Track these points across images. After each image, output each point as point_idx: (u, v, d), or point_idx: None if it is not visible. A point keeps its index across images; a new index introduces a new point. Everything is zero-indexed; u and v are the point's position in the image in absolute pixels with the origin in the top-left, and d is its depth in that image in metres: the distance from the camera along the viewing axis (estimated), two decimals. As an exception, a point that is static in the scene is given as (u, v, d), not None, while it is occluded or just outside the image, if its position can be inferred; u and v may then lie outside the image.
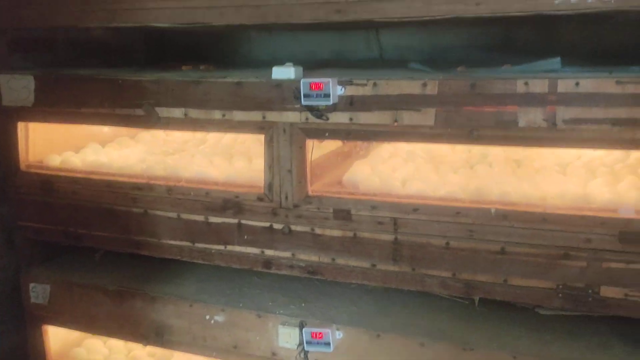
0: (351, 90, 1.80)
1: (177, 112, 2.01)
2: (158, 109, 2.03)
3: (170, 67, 2.52)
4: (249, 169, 2.25)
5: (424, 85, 1.72)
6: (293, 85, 1.85)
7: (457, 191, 1.94)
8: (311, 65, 2.66)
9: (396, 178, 2.11)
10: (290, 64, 1.90)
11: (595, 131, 1.59)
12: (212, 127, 2.01)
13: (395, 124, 1.77)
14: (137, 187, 2.14)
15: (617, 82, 1.55)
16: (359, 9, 1.78)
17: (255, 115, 1.92)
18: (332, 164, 2.26)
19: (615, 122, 1.56)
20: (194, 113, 1.99)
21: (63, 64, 2.47)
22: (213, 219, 2.06)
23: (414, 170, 2.22)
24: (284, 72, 1.88)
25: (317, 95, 1.80)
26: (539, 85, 1.61)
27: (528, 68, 1.88)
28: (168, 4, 1.97)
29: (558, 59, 1.84)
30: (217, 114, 1.97)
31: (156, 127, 2.07)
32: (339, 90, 1.81)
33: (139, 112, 2.06)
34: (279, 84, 1.87)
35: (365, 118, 1.80)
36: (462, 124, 1.71)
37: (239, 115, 1.94)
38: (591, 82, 1.57)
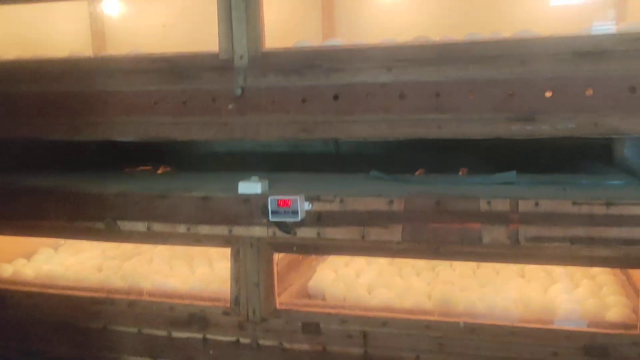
0: (318, 206, 1.82)
1: (140, 226, 1.97)
2: (120, 223, 1.99)
3: (126, 168, 2.48)
4: (213, 278, 2.21)
5: (391, 202, 1.76)
6: (260, 200, 1.85)
7: (424, 301, 1.97)
8: (269, 159, 2.70)
9: (362, 285, 2.12)
10: (257, 177, 1.91)
11: (556, 249, 1.65)
12: (176, 241, 1.98)
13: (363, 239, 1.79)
14: (97, 301, 2.06)
15: (574, 203, 1.63)
16: (326, 128, 1.83)
17: (221, 230, 1.91)
18: (294, 265, 2.25)
19: (574, 240, 1.64)
20: (157, 227, 1.96)
21: (6, 166, 2.39)
22: (177, 334, 2.00)
23: (378, 275, 2.24)
24: (250, 187, 1.88)
25: (285, 212, 1.81)
26: (500, 205, 1.68)
27: (486, 180, 1.95)
28: (133, 119, 1.97)
29: (514, 173, 1.92)
30: (181, 228, 1.94)
31: (117, 240, 2.02)
32: (307, 206, 1.83)
33: (100, 225, 2.01)
34: (247, 199, 1.88)
35: (333, 233, 1.82)
36: (428, 240, 1.75)
37: (204, 229, 1.93)
38: (550, 203, 1.64)
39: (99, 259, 2.46)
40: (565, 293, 1.95)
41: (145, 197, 1.96)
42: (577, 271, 2.15)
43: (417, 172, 2.22)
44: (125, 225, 1.99)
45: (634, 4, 2.03)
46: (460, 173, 2.18)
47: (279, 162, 2.69)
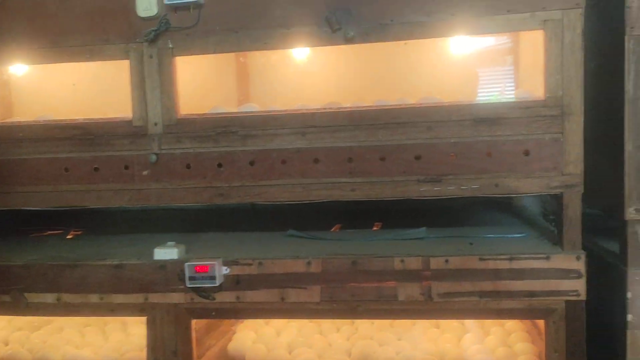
0: (237, 270, 1.82)
1: (49, 297, 1.89)
2: (27, 295, 1.89)
3: (33, 233, 2.38)
4: (128, 346, 2.13)
5: (309, 263, 1.79)
6: (177, 266, 1.83)
7: (344, 359, 1.99)
8: (185, 214, 2.66)
9: (282, 344, 2.12)
10: (173, 243, 1.90)
11: (466, 303, 1.74)
12: (88, 312, 1.91)
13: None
14: (0, 380, 1.94)
15: (480, 259, 1.72)
16: (242, 192, 1.85)
17: (136, 298, 1.86)
18: (213, 325, 2.22)
19: (482, 294, 1.73)
20: (68, 297, 1.89)
21: None
22: (90, 409, 1.91)
23: (298, 332, 2.25)
24: (166, 253, 1.86)
25: (202, 278, 1.80)
26: (413, 263, 1.75)
27: (398, 236, 2.02)
28: (41, 188, 1.90)
29: (424, 229, 2.01)
30: (94, 298, 1.88)
31: (24, 314, 1.92)
32: (225, 270, 1.82)
33: (5, 298, 1.90)
34: (163, 265, 1.85)
35: (252, 297, 1.82)
36: (346, 300, 1.79)
37: (119, 298, 1.87)
38: (459, 260, 1.73)
39: (5, 331, 2.31)
40: (477, 343, 2.04)
41: (54, 267, 1.89)
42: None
43: (333, 228, 2.27)
44: (33, 298, 1.90)
45: (524, 72, 2.22)
46: (374, 228, 2.25)
47: (195, 217, 2.67)
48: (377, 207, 2.47)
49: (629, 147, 1.65)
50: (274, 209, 2.79)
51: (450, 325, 2.21)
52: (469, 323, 2.23)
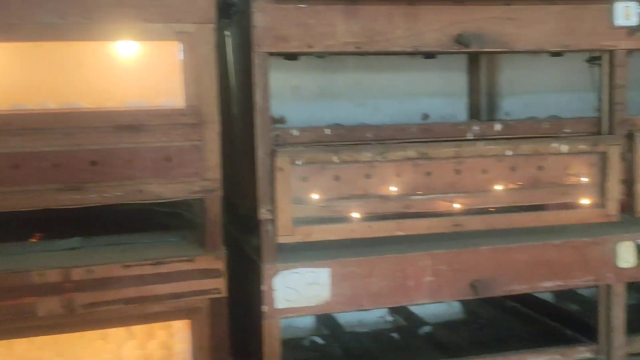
0: None
1: None
2: None
3: None
4: None
5: None
6: None
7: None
8: None
9: None
10: None
11: (112, 311, 1.73)
12: None
13: None
14: None
15: (125, 266, 1.73)
16: None
17: None
18: None
19: (128, 301, 1.73)
20: None
21: None
22: None
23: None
24: None
25: None
26: (54, 275, 1.68)
27: (51, 247, 1.92)
28: None
29: (78, 238, 1.94)
30: None
31: None
32: None
33: None
34: None
35: None
36: (-24, 322, 1.63)
37: None
38: (102, 268, 1.71)
39: None
40: (138, 349, 2.04)
41: None
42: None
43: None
44: None
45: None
46: (33, 239, 2.11)
47: None
48: (47, 215, 2.33)
49: (260, 153, 1.81)
50: None
51: (118, 333, 2.17)
52: (136, 329, 2.22)
